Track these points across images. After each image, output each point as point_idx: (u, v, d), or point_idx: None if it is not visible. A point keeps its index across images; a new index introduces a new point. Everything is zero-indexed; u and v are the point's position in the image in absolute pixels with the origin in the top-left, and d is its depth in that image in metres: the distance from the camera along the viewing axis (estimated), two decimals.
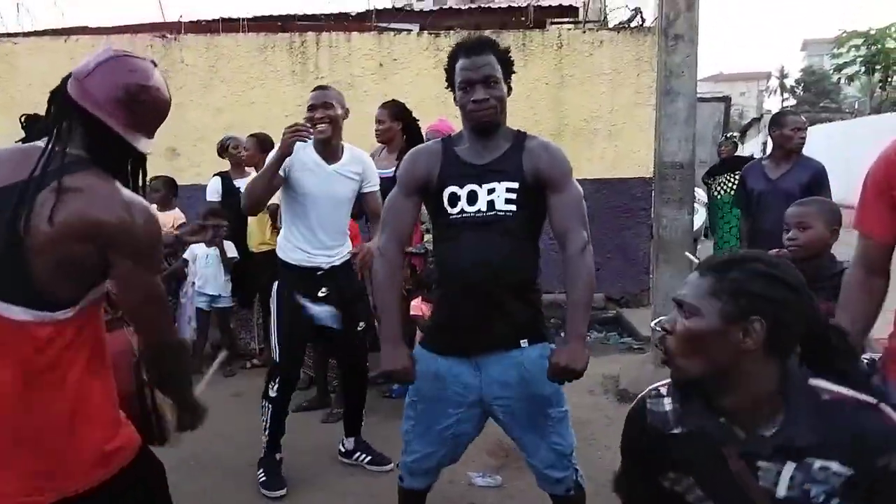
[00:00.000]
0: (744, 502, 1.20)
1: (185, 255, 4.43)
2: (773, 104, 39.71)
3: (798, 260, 2.17)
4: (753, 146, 18.19)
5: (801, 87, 38.80)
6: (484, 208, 1.93)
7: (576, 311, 1.87)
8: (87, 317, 1.36)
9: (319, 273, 2.98)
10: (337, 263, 3.04)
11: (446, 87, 2.03)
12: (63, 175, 1.28)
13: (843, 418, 1.15)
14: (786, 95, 39.80)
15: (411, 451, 2.14)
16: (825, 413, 1.16)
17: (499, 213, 1.93)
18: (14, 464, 1.31)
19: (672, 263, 3.93)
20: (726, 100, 11.00)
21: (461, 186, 1.95)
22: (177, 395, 1.60)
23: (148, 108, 1.40)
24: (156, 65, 1.45)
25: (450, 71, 1.99)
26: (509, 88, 1.99)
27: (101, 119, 1.35)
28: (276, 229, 3.86)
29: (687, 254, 4.12)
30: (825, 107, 27.08)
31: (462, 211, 1.95)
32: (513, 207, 1.93)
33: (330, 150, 2.96)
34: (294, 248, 2.98)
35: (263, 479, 2.98)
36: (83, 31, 6.94)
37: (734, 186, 5.25)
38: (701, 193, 7.48)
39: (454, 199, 1.96)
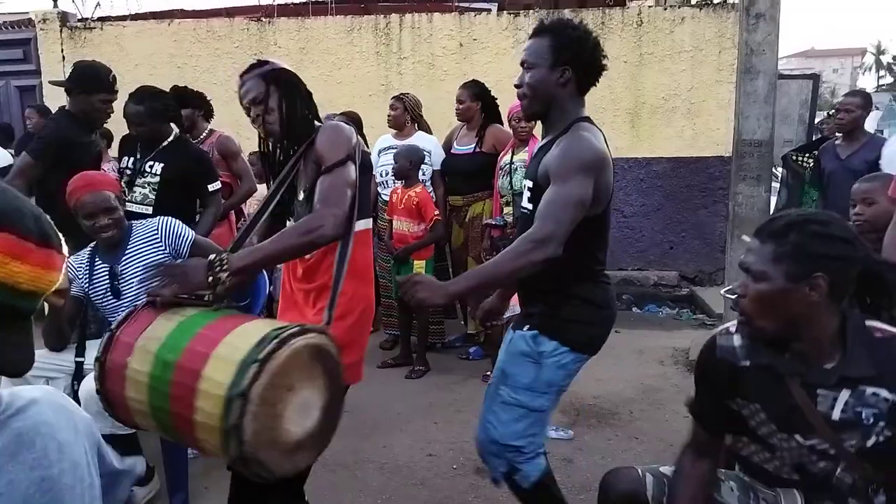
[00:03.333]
0: (802, 424, 1.39)
1: None
2: (868, 82, 37.44)
3: (864, 234, 2.23)
4: None
5: None
6: (526, 205, 1.99)
7: None
8: None
9: None
10: None
11: None
12: None
13: (894, 353, 1.34)
14: (882, 72, 37.40)
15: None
16: (878, 349, 1.34)
17: (523, 211, 2.00)
18: None
19: None
20: (815, 77, 10.53)
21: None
22: None
23: None
24: None
25: None
26: (562, 75, 1.87)
27: None
28: None
29: (744, 237, 4.10)
30: None
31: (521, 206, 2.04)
32: (530, 206, 1.92)
33: None
34: None
35: None
36: (183, 14, 7.42)
37: None
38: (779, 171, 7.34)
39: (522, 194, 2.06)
